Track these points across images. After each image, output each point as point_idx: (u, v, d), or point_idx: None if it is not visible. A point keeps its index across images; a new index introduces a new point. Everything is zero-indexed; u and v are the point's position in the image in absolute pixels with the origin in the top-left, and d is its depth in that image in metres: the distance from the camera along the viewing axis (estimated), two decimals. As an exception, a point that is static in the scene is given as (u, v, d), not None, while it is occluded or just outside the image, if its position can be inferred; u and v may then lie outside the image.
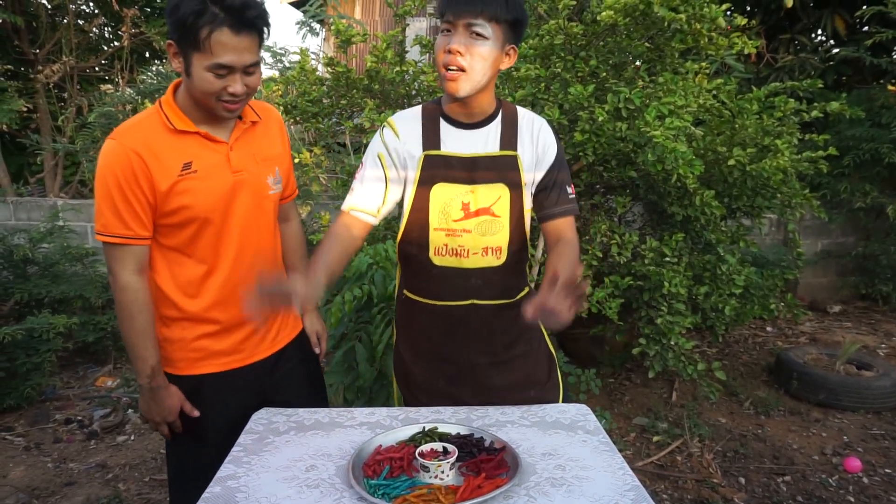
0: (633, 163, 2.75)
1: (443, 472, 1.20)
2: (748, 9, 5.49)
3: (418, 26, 8.12)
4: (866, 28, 5.16)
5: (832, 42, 5.47)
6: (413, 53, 3.52)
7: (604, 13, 2.37)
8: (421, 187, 1.46)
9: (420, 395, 1.63)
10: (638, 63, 2.97)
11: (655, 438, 2.95)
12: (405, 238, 1.51)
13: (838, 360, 3.43)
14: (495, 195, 1.46)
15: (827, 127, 4.82)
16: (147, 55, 6.45)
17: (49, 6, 5.86)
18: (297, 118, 3.26)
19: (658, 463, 2.75)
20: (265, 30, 1.32)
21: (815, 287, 5.31)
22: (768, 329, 4.55)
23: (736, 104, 3.04)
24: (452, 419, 1.46)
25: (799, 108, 3.03)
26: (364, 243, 1.55)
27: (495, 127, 1.47)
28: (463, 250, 1.47)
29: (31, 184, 5.93)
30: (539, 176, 1.49)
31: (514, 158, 1.46)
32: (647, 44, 2.70)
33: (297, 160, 3.48)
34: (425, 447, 1.26)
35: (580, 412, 1.50)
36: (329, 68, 3.08)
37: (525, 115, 1.51)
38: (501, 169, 1.45)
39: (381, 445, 1.31)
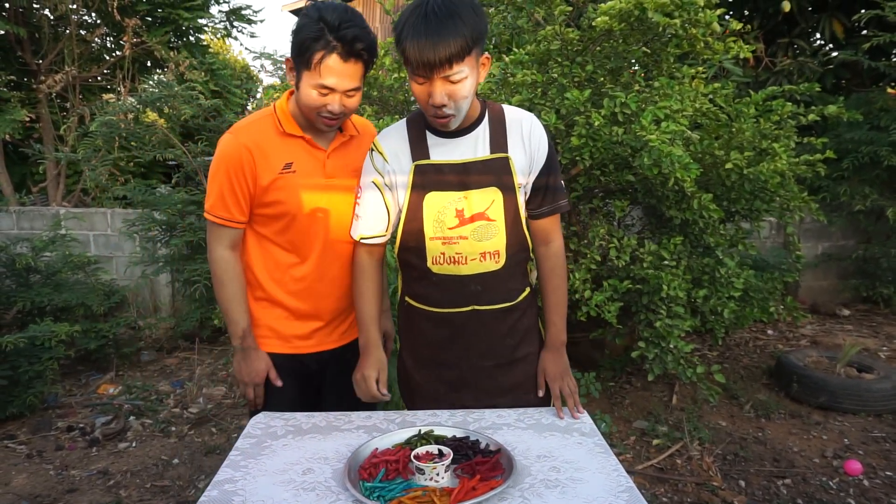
0: (631, 167, 2.77)
1: (438, 474, 1.20)
2: (746, 13, 5.52)
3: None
4: (864, 31, 5.18)
5: (830, 46, 5.48)
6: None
7: (599, 19, 2.39)
8: (414, 198, 1.47)
9: (420, 402, 1.63)
10: (634, 68, 2.99)
11: (655, 442, 2.95)
12: (402, 247, 1.53)
13: (839, 363, 3.43)
14: (489, 199, 1.46)
15: (826, 130, 4.83)
16: (149, 64, 6.49)
17: (52, 17, 5.91)
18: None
19: (658, 466, 2.75)
20: (372, 60, 1.46)
21: (816, 290, 5.31)
22: (769, 332, 4.55)
23: (733, 108, 3.06)
24: (449, 422, 1.47)
25: (796, 111, 3.04)
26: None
27: (483, 130, 1.47)
28: (461, 257, 1.48)
29: (33, 193, 5.97)
30: (533, 176, 1.50)
31: (506, 160, 1.46)
32: (643, 49, 2.72)
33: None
34: (421, 450, 1.28)
35: (578, 418, 1.51)
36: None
37: (513, 115, 1.50)
38: (494, 172, 1.46)
39: (377, 448, 1.32)
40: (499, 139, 1.47)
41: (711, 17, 2.39)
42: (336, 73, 1.40)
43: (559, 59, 2.76)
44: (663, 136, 2.31)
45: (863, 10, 4.73)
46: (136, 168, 5.99)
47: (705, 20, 2.39)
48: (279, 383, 1.61)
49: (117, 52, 6.34)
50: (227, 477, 1.25)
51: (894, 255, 4.88)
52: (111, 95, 6.12)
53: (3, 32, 5.19)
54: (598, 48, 2.79)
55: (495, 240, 1.48)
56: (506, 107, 1.52)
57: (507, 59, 2.74)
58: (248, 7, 6.86)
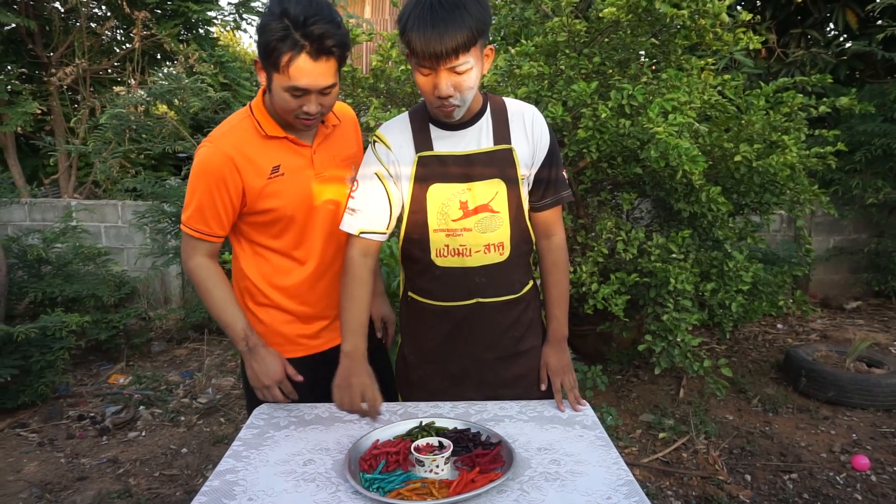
0: (639, 159, 2.75)
1: (437, 466, 1.21)
2: (758, 4, 5.44)
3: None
4: (879, 21, 5.09)
5: (844, 36, 5.40)
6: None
7: (606, 10, 2.37)
8: (417, 190, 1.46)
9: (420, 399, 1.63)
10: (642, 60, 2.96)
11: (661, 435, 2.94)
12: (406, 241, 1.52)
13: (848, 358, 3.40)
14: (493, 191, 1.46)
15: (838, 122, 4.77)
16: (158, 56, 6.51)
17: (62, 10, 5.94)
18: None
19: (664, 460, 2.75)
20: (345, 54, 1.36)
21: (828, 284, 5.26)
22: (778, 326, 4.52)
23: (743, 100, 3.02)
24: (451, 414, 1.48)
25: (807, 103, 3.00)
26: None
27: (486, 122, 1.47)
28: (465, 249, 1.47)
29: (45, 185, 6.02)
30: (535, 168, 1.50)
31: (510, 152, 1.46)
32: (651, 40, 2.70)
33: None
34: (421, 442, 1.28)
35: (580, 410, 1.51)
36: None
37: (514, 107, 1.50)
38: (497, 164, 1.46)
39: (378, 440, 1.32)
40: (502, 130, 1.47)
41: (720, 8, 2.36)
42: (307, 74, 1.31)
43: (566, 51, 2.74)
44: (670, 128, 2.30)
45: (877, 0, 4.66)
46: (147, 160, 6.02)
47: (714, 11, 2.37)
48: (299, 378, 1.54)
49: (127, 45, 6.36)
50: (229, 467, 1.26)
51: (907, 248, 4.83)
52: (122, 88, 6.15)
53: (14, 25, 5.21)
54: (606, 40, 2.77)
55: (499, 231, 1.48)
56: (507, 99, 1.52)
57: (513, 50, 2.72)
58: (258, -1, 6.86)
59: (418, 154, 1.46)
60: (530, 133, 1.48)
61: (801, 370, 3.38)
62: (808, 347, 3.64)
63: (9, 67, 5.94)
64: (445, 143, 1.46)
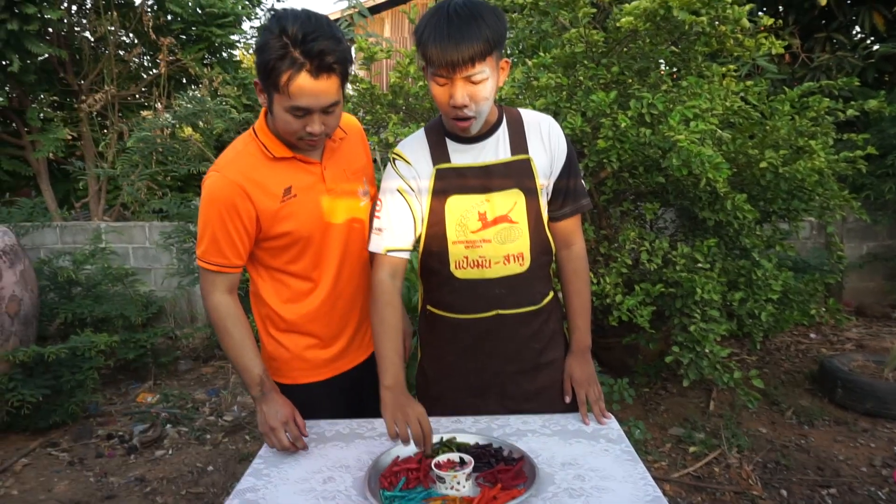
0: (661, 168, 2.71)
1: (458, 483, 1.19)
2: (780, 9, 5.37)
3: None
4: (906, 23, 4.98)
5: (871, 39, 5.30)
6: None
7: (624, 19, 2.36)
8: (435, 202, 1.46)
9: (440, 413, 1.61)
10: (662, 68, 2.93)
11: (692, 449, 2.87)
12: (425, 254, 1.51)
13: (886, 367, 3.29)
14: (511, 201, 1.45)
15: (868, 126, 4.66)
16: (184, 81, 6.66)
17: (92, 39, 6.12)
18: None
19: (695, 474, 2.68)
20: (347, 70, 1.33)
21: (862, 291, 5.10)
22: (812, 336, 4.39)
23: (767, 105, 2.97)
24: (472, 428, 1.46)
25: (834, 107, 2.94)
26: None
27: (502, 133, 1.47)
28: (484, 261, 1.46)
29: (76, 208, 6.18)
30: (554, 177, 1.49)
31: (528, 162, 1.45)
32: (671, 48, 2.67)
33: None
34: (442, 458, 1.26)
35: (605, 423, 1.47)
36: (353, 85, 3.13)
37: (530, 118, 1.50)
38: (516, 174, 1.45)
39: (398, 456, 1.31)
40: (519, 141, 1.46)
41: (740, 14, 2.33)
42: (308, 93, 1.27)
43: (584, 62, 2.73)
44: (692, 135, 2.26)
45: (904, 1, 4.56)
46: (173, 182, 6.14)
47: (734, 16, 2.34)
48: (306, 433, 1.43)
49: (154, 71, 6.53)
50: (250, 486, 1.26)
51: (945, 254, 4.67)
52: (149, 112, 6.30)
53: (46, 56, 5.38)
54: (625, 49, 2.75)
55: (519, 242, 1.46)
56: (522, 110, 1.52)
57: (530, 62, 2.72)
58: (279, 22, 6.98)
59: (436, 167, 1.45)
60: (547, 142, 1.47)
61: (836, 381, 3.28)
62: (843, 357, 3.53)
63: (42, 96, 6.13)
64: (463, 156, 1.46)
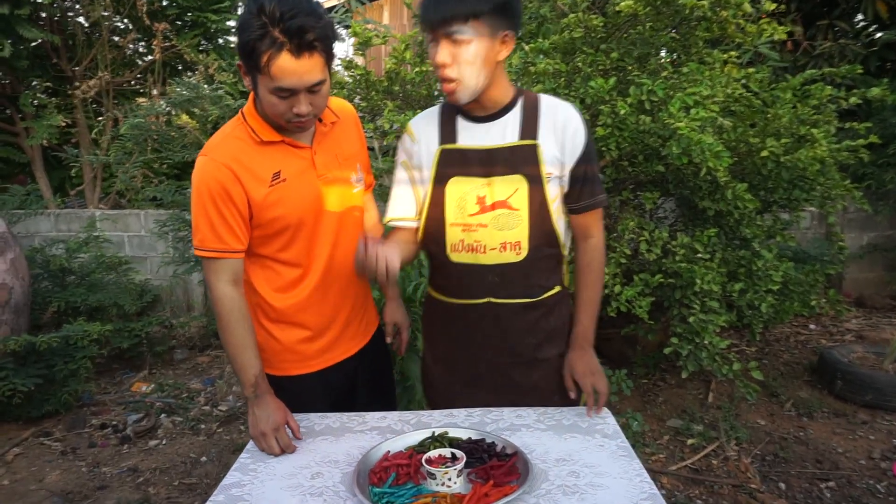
0: (661, 157, 2.67)
1: (450, 479, 1.16)
2: (783, -5, 5.29)
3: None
4: (911, 10, 4.91)
5: (875, 27, 5.23)
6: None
7: (623, 3, 2.30)
8: (437, 183, 1.44)
9: (438, 400, 1.60)
10: (663, 54, 2.88)
11: (690, 441, 2.85)
12: (425, 235, 1.50)
13: (886, 359, 3.26)
14: (512, 187, 1.41)
15: (870, 115, 4.60)
16: (179, 67, 6.58)
17: (86, 24, 6.04)
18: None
19: (693, 467, 2.65)
20: (330, 48, 1.30)
21: (862, 282, 5.07)
22: (811, 327, 4.36)
23: (769, 93, 2.92)
24: (465, 423, 1.43)
25: (836, 95, 2.89)
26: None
27: (514, 116, 1.42)
28: (479, 245, 1.43)
29: (71, 196, 6.12)
30: (569, 167, 1.43)
31: (534, 148, 1.40)
32: (671, 34, 2.61)
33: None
34: (433, 453, 1.23)
35: (599, 415, 1.45)
36: (348, 71, 3.08)
37: (548, 103, 1.44)
38: (519, 159, 1.40)
39: (388, 451, 1.28)
40: (529, 126, 1.41)
41: (742, -2, 2.28)
42: (291, 73, 1.24)
43: (583, 48, 2.68)
44: (693, 123, 2.21)
45: (909, -12, 4.49)
46: (169, 170, 6.08)
47: (735, 1, 2.28)
48: (299, 437, 1.39)
49: (149, 57, 6.45)
50: (235, 481, 1.23)
51: (947, 244, 4.63)
52: (144, 99, 6.23)
53: (39, 41, 5.31)
54: (624, 35, 2.70)
55: (517, 230, 1.42)
56: (543, 95, 1.46)
57: (527, 47, 2.66)
58: (277, 7, 6.89)
59: (441, 146, 1.44)
60: (561, 130, 1.41)
61: (836, 372, 3.25)
62: (843, 349, 3.50)
63: (35, 82, 6.06)
64: (469, 135, 1.43)
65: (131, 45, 6.44)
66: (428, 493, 1.14)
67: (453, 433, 1.33)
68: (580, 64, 2.60)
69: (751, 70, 2.89)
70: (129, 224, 5.21)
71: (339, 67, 3.33)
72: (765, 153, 2.66)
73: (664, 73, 2.57)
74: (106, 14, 5.80)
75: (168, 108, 4.85)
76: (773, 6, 2.65)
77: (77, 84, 5.79)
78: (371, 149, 5.56)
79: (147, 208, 5.24)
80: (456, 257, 1.46)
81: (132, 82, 6.41)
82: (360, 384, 1.66)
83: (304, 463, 1.28)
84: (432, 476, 1.16)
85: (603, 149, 2.57)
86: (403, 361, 2.21)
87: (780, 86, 2.90)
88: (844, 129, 3.10)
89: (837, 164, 3.01)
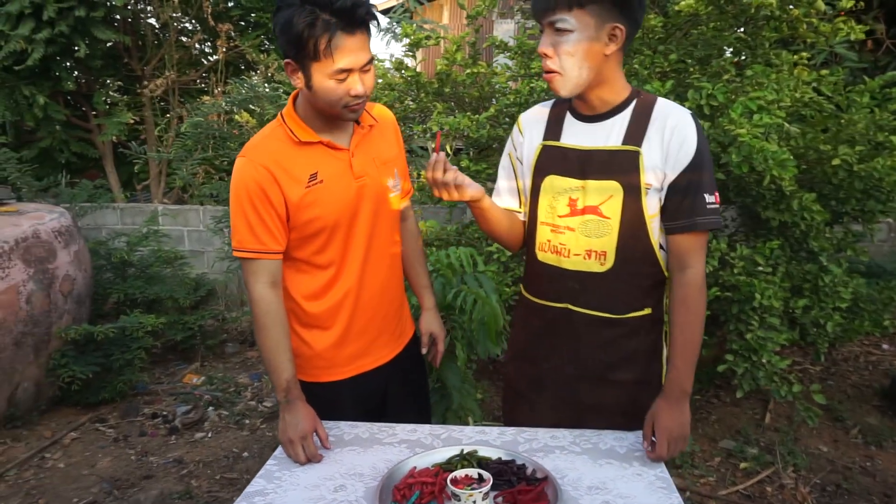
0: (721, 164, 2.53)
1: (474, 501, 1.11)
2: (864, -9, 4.97)
3: (506, 28, 8.02)
4: None
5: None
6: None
7: (683, 2, 2.19)
8: (535, 178, 1.43)
9: (506, 392, 1.62)
10: (726, 55, 2.73)
11: (743, 465, 2.69)
12: (525, 231, 1.50)
13: (969, 387, 3.00)
14: (606, 194, 1.33)
15: (959, 120, 4.26)
16: (242, 67, 6.76)
17: (156, 26, 6.28)
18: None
19: (744, 493, 2.51)
20: (372, 22, 1.32)
21: (944, 300, 4.70)
22: (884, 347, 4.07)
23: (844, 97, 2.73)
24: (497, 441, 1.37)
25: (920, 99, 2.67)
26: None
27: (622, 119, 1.34)
28: (564, 249, 1.39)
29: (138, 191, 6.38)
30: (671, 178, 1.30)
31: (635, 155, 1.31)
32: (736, 34, 2.47)
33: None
34: (460, 473, 1.18)
35: (640, 440, 1.36)
36: (399, 72, 3.06)
37: (663, 108, 1.33)
38: (617, 165, 1.32)
39: (415, 467, 1.24)
40: (636, 131, 1.32)
41: (815, -5, 2.13)
42: (348, 51, 1.26)
43: (642, 49, 2.57)
44: (755, 129, 2.09)
45: None
46: (229, 167, 6.25)
47: (808, -1, 2.13)
48: (328, 446, 1.37)
49: (213, 57, 6.66)
50: (259, 489, 1.21)
51: None
52: (208, 97, 6.44)
53: (112, 42, 5.55)
54: (685, 35, 2.57)
55: (605, 239, 1.34)
56: (661, 99, 1.35)
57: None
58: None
59: (542, 142, 1.43)
60: (668, 139, 1.29)
61: (910, 399, 3.01)
62: (919, 373, 3.25)
63: (108, 81, 6.34)
64: (573, 133, 1.39)
65: (197, 46, 6.66)
66: (450, 516, 1.09)
67: (483, 452, 1.28)
68: (637, 66, 2.50)
69: (824, 72, 2.71)
70: (189, 219, 5.38)
71: (391, 69, 3.32)
72: (836, 161, 2.48)
73: (726, 76, 2.43)
74: (175, 15, 6.02)
75: (227, 107, 4.97)
76: (851, 4, 2.47)
77: (146, 83, 6.03)
78: (423, 149, 5.56)
79: (207, 204, 5.39)
80: (542, 256, 1.43)
81: (197, 81, 6.63)
82: (393, 393, 1.63)
83: (328, 474, 1.26)
84: (457, 497, 1.11)
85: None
86: (441, 369, 2.16)
87: (857, 89, 2.71)
88: (928, 137, 2.86)
89: (919, 173, 2.78)
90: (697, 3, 2.18)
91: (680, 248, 1.33)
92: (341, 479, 1.24)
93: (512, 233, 1.49)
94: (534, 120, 1.47)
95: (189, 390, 3.58)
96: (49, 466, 2.81)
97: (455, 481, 1.15)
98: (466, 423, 2.21)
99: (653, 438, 1.31)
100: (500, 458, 1.26)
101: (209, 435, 3.10)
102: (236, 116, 5.44)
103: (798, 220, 2.64)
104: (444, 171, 1.28)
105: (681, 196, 1.30)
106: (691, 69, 2.59)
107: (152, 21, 6.36)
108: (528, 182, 1.44)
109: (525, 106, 2.80)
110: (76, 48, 5.35)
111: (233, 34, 6.09)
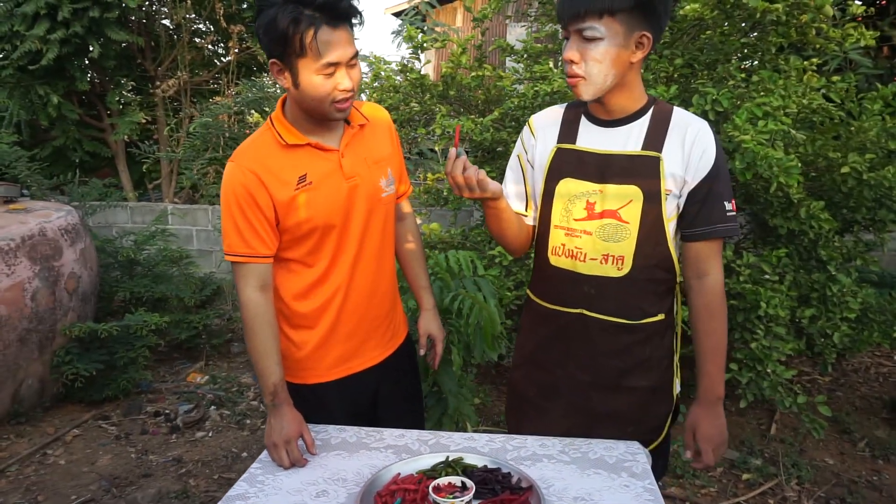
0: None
1: (455, 510, 1.09)
2: (879, -3, 4.90)
3: (519, 32, 8.00)
4: None
5: None
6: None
7: (688, 7, 2.16)
8: (548, 181, 1.41)
9: (512, 400, 1.59)
10: (732, 60, 2.70)
11: (746, 476, 2.65)
12: (536, 234, 1.48)
13: (981, 401, 2.93)
14: (626, 198, 1.32)
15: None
16: (254, 68, 6.81)
17: (170, 27, 6.34)
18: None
19: (747, 505, 2.47)
20: (358, 18, 1.33)
21: (960, 312, 4.61)
22: (894, 358, 4.00)
23: (855, 104, 2.68)
24: (485, 448, 1.36)
25: (934, 106, 2.62)
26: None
27: (640, 125, 1.33)
28: (580, 253, 1.37)
29: (149, 189, 6.44)
30: (691, 185, 1.31)
31: (656, 160, 1.30)
32: (742, 39, 2.44)
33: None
34: (443, 481, 1.17)
35: (630, 450, 1.34)
36: (403, 75, 3.06)
37: (681, 116, 1.34)
38: (638, 170, 1.31)
39: (399, 474, 1.22)
40: (656, 137, 1.32)
41: (822, 1, 2.09)
42: (334, 45, 1.26)
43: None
44: (760, 136, 2.05)
45: None
46: (239, 167, 6.29)
47: (815, 4, 2.10)
48: (314, 452, 1.36)
49: (225, 58, 6.71)
50: (241, 492, 1.21)
51: None
52: (220, 98, 6.48)
53: (125, 43, 5.60)
54: (691, 40, 2.54)
55: (623, 244, 1.33)
56: (677, 108, 1.36)
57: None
58: (348, 11, 7.02)
59: (557, 145, 1.40)
60: (689, 146, 1.30)
61: (920, 412, 2.95)
62: (930, 386, 3.18)
63: (122, 81, 6.41)
64: (589, 137, 1.37)
65: (210, 47, 6.71)
66: (430, 525, 1.08)
67: (469, 459, 1.27)
68: (641, 70, 2.47)
69: (834, 78, 2.67)
70: (198, 218, 5.42)
71: (397, 70, 3.32)
72: (846, 169, 2.45)
73: (731, 82, 2.40)
74: (188, 17, 6.07)
75: (236, 108, 5.00)
76: (862, 9, 2.42)
77: (158, 83, 6.09)
78: (433, 150, 5.55)
79: (216, 203, 5.43)
80: (555, 261, 1.40)
81: (209, 82, 6.68)
82: (385, 395, 1.62)
83: (312, 479, 1.25)
84: (438, 506, 1.10)
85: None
86: (437, 373, 2.15)
87: (869, 96, 2.66)
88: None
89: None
90: (703, 7, 2.15)
91: (699, 255, 1.35)
92: (324, 484, 1.23)
93: (520, 236, 1.48)
94: (547, 122, 1.45)
95: (192, 389, 3.59)
96: (50, 463, 2.82)
97: (437, 489, 1.14)
98: (464, 429, 2.19)
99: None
100: (485, 466, 1.25)
101: (210, 434, 3.10)
102: (248, 117, 5.49)
103: (806, 229, 2.59)
104: (464, 168, 1.26)
105: (700, 203, 1.31)
106: (700, 73, 2.56)
107: (166, 22, 6.42)
108: (541, 185, 1.42)
109: (530, 109, 2.78)
110: (90, 48, 5.41)
111: (245, 35, 6.13)
